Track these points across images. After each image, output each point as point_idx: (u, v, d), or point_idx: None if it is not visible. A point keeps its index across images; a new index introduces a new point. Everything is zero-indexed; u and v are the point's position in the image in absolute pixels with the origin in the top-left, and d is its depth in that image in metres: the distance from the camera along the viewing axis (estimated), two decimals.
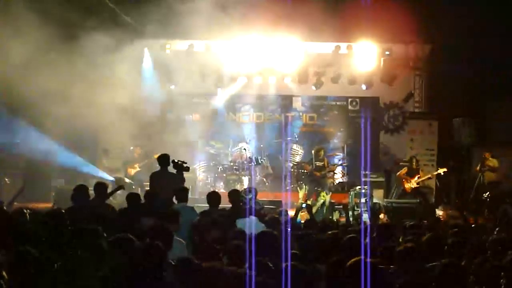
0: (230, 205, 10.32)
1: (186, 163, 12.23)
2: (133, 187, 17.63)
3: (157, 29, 17.95)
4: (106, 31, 18.38)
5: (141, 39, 19.52)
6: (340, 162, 19.97)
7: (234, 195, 10.31)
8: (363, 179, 19.04)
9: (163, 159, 12.22)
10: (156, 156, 13.21)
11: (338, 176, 20.45)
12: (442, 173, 18.03)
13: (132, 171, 18.63)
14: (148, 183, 12.82)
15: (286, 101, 22.16)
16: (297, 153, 21.21)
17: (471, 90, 19.14)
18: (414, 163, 17.91)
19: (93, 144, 20.45)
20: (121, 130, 20.43)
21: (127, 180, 18.20)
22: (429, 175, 18.17)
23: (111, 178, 18.22)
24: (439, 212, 17.28)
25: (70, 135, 18.48)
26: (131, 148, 19.70)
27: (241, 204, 10.13)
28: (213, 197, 10.13)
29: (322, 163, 17.93)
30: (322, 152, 18.12)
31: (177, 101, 21.53)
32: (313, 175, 17.73)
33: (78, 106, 20.12)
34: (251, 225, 7.97)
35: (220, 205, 10.18)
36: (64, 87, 18.36)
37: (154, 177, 12.26)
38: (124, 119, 20.54)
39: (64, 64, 18.92)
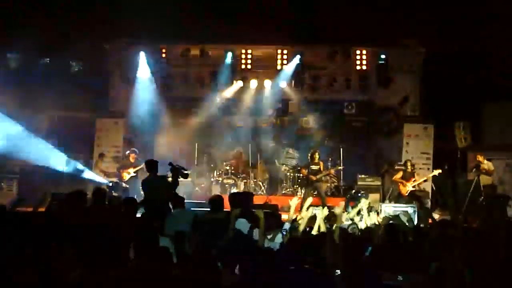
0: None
1: (186, 170, 12.13)
2: (129, 191, 17.63)
3: (153, 34, 17.96)
4: (101, 36, 18.43)
5: (137, 43, 19.52)
6: (336, 166, 19.96)
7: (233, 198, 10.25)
8: (359, 183, 19.06)
9: (151, 165, 12.09)
10: None
11: (334, 180, 20.47)
12: (437, 174, 18.09)
13: (126, 176, 18.56)
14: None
15: (282, 105, 22.15)
16: (293, 157, 21.17)
17: (467, 93, 19.14)
18: (409, 167, 17.93)
19: (89, 148, 20.47)
20: (117, 135, 20.48)
21: (124, 185, 18.18)
22: (425, 178, 18.22)
23: (106, 182, 18.24)
24: (435, 216, 17.26)
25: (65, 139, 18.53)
26: (127, 152, 19.69)
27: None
28: (216, 201, 10.04)
29: (318, 166, 17.94)
30: (317, 156, 18.13)
31: (173, 105, 21.53)
32: (309, 179, 17.74)
33: (74, 110, 20.21)
34: (244, 226, 7.99)
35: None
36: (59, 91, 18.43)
37: (145, 183, 12.06)
38: (120, 123, 20.60)
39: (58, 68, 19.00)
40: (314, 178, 17.70)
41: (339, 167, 19.77)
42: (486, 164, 18.41)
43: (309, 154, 18.52)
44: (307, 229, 8.95)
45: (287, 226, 8.58)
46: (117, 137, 20.59)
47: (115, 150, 20.15)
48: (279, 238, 8.25)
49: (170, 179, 11.79)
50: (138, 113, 20.94)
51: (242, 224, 8.09)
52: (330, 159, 20.31)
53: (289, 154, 21.22)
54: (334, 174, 20.25)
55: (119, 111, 20.94)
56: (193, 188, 19.58)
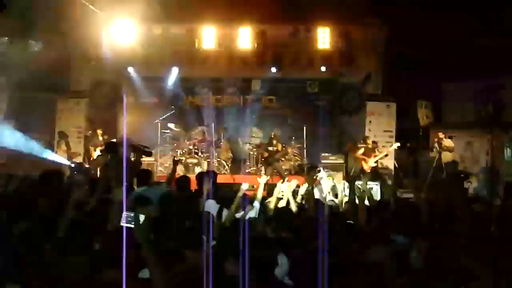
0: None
1: (148, 148, 12.14)
2: (92, 172, 17.58)
3: (117, 11, 17.84)
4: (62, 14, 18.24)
5: (101, 19, 19.35)
6: (292, 146, 20.21)
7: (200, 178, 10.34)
8: (322, 161, 19.31)
9: (110, 147, 12.06)
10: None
11: (298, 159, 20.70)
12: (396, 148, 18.51)
13: (95, 154, 18.55)
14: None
15: (245, 84, 22.24)
16: (257, 135, 21.34)
17: (428, 71, 19.42)
18: (369, 143, 18.27)
19: (50, 128, 20.35)
20: (78, 115, 20.39)
21: (86, 165, 18.14)
22: (385, 153, 18.55)
23: (68, 163, 18.18)
24: (398, 193, 17.58)
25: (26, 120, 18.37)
26: (89, 132, 19.66)
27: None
28: (183, 181, 10.14)
29: (276, 148, 18.28)
30: (276, 136, 18.47)
31: (135, 84, 21.47)
32: (269, 159, 18.08)
33: (35, 91, 20.02)
34: (209, 207, 8.07)
35: None
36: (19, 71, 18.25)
37: (106, 166, 11.96)
38: (81, 103, 20.49)
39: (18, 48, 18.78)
40: (272, 157, 18.05)
41: (297, 146, 20.07)
42: (447, 141, 18.86)
43: (269, 135, 18.97)
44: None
45: (256, 204, 8.72)
46: (78, 117, 20.51)
47: (77, 130, 20.08)
48: (251, 214, 8.39)
49: (132, 159, 11.81)
50: (100, 92, 20.87)
51: (211, 205, 8.18)
52: (293, 137, 20.55)
53: (253, 133, 21.38)
54: (297, 153, 20.50)
55: (81, 91, 20.84)
56: (157, 168, 19.64)
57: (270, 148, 18.50)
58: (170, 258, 5.26)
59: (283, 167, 19.35)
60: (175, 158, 11.84)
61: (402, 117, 20.71)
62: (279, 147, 18.65)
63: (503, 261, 5.37)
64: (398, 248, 6.35)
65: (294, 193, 10.07)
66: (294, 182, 10.24)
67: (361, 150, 18.33)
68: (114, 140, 16.96)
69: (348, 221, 7.74)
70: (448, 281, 5.27)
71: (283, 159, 19.39)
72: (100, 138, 19.04)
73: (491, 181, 17.43)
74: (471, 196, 13.14)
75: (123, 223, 4.74)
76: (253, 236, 5.45)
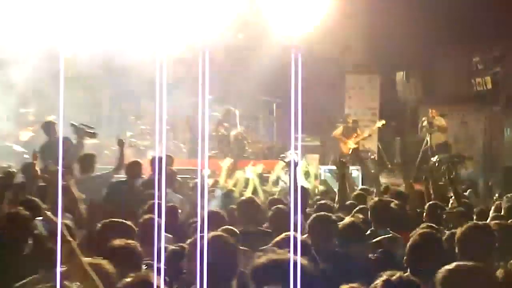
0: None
1: (92, 128, 12.05)
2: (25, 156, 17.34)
3: None
4: None
5: None
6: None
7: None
8: (294, 143, 19.25)
9: (48, 127, 11.96)
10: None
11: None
12: (381, 126, 18.45)
13: (26, 136, 18.29)
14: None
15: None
16: (219, 113, 21.23)
17: (416, 39, 19.41)
18: (349, 121, 18.21)
19: None
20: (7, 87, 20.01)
21: (16, 148, 17.86)
22: (368, 133, 18.50)
23: None
24: (382, 180, 17.64)
25: None
26: (22, 110, 19.36)
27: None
28: (134, 167, 10.14)
29: (227, 124, 18.34)
30: (232, 112, 18.45)
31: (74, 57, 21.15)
32: (229, 140, 18.09)
33: None
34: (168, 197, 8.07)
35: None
36: None
37: (43, 150, 11.80)
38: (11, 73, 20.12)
39: None
40: (233, 138, 18.08)
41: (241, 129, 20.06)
42: (439, 120, 18.83)
43: (224, 112, 18.97)
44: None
45: (218, 192, 8.73)
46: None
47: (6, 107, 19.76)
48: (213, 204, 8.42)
49: (74, 141, 11.69)
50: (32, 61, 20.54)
51: (169, 195, 8.20)
52: (260, 116, 20.47)
53: (214, 110, 21.24)
54: (264, 134, 20.46)
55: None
56: (103, 152, 19.44)
57: (226, 125, 18.44)
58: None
59: (249, 149, 19.31)
60: (121, 139, 11.77)
61: (387, 92, 20.71)
62: (237, 125, 18.63)
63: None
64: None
65: (262, 179, 10.10)
66: (260, 167, 10.25)
67: (339, 130, 18.30)
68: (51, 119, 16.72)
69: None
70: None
71: (249, 140, 19.28)
72: (32, 117, 18.75)
73: (489, 166, 17.58)
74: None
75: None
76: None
